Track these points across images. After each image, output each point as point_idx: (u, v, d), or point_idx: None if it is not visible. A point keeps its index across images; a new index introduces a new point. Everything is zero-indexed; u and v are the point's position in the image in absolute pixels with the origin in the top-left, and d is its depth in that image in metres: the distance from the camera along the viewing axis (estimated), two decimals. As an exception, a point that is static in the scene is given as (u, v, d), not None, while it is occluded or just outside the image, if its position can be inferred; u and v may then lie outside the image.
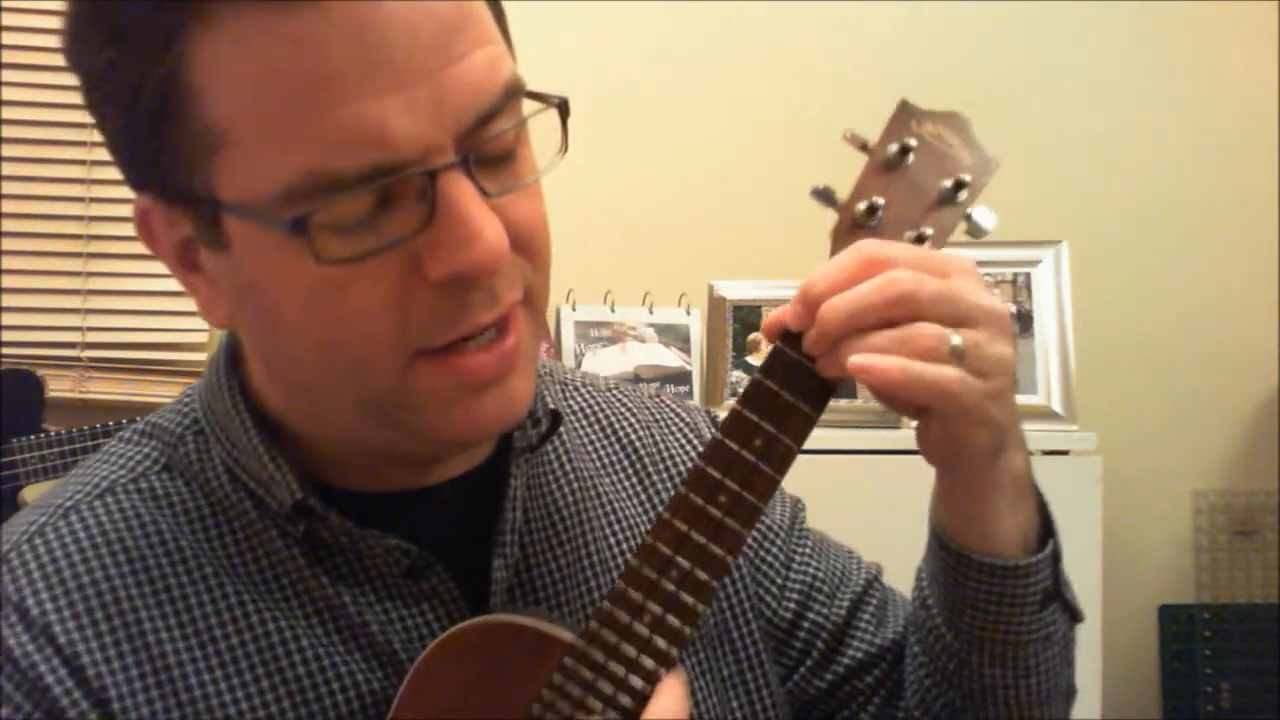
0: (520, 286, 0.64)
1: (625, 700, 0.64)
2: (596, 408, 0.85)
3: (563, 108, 0.64)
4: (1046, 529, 0.74)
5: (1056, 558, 0.74)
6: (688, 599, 0.64)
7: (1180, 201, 2.33)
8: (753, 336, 2.10)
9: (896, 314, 0.62)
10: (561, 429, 0.79)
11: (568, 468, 0.79)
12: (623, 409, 0.86)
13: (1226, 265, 2.33)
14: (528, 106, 0.63)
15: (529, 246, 0.63)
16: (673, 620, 0.64)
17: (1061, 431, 1.95)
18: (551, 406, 0.76)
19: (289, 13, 0.55)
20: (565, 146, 0.65)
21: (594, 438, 0.83)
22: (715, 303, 2.11)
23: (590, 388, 0.86)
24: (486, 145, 0.60)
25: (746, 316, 2.11)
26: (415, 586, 0.70)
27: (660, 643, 0.64)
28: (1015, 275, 2.06)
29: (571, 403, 0.84)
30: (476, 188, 0.59)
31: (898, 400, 0.64)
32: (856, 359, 0.61)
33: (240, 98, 0.57)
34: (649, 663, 0.64)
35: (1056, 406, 1.99)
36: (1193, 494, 2.31)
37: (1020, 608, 0.72)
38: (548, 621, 0.68)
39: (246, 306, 0.64)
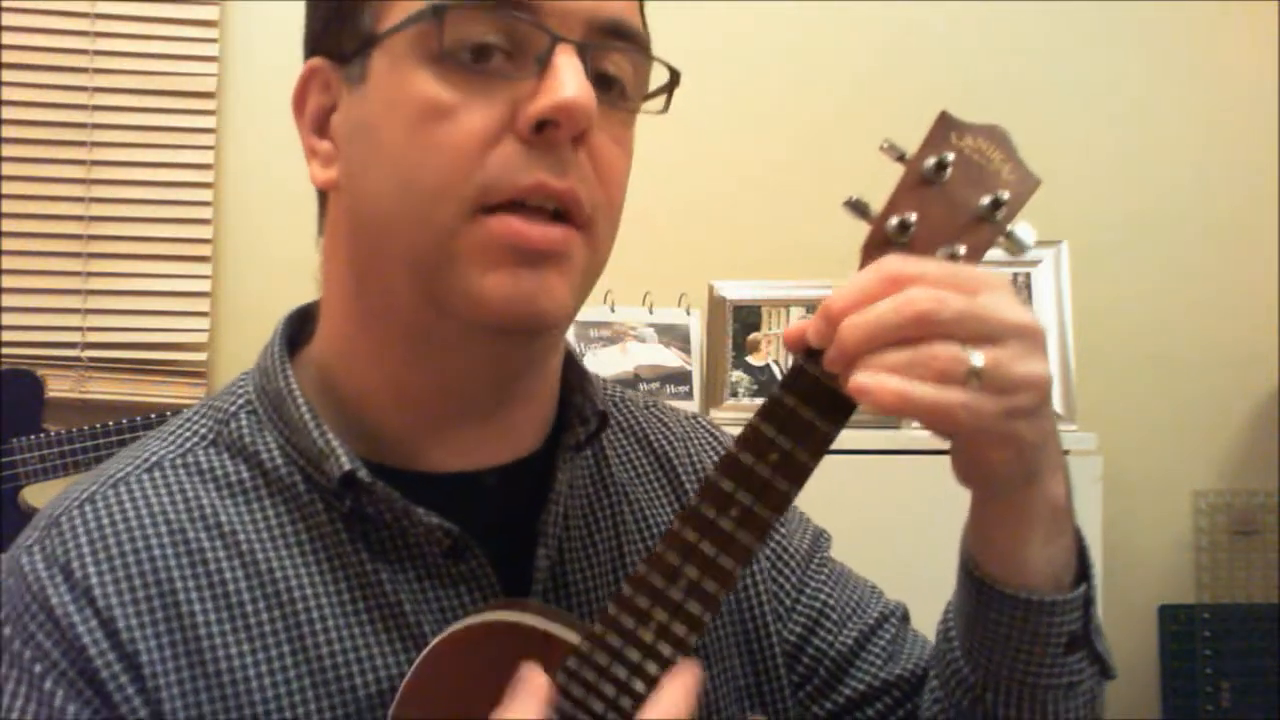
0: (588, 200, 0.68)
1: (627, 704, 0.64)
2: (633, 421, 0.87)
3: (675, 75, 0.73)
4: (1082, 572, 0.71)
5: (1089, 601, 0.71)
6: (694, 608, 0.64)
7: (1180, 201, 2.33)
8: (752, 337, 2.10)
9: (916, 333, 0.59)
10: (602, 436, 0.80)
11: (605, 474, 0.81)
12: (659, 425, 0.87)
13: (1227, 265, 2.33)
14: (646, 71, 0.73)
15: (607, 180, 0.69)
16: (679, 628, 0.64)
17: (1061, 431, 1.95)
18: (600, 408, 0.77)
19: None
20: (666, 107, 0.74)
21: (630, 449, 0.85)
22: (715, 303, 2.11)
23: (629, 403, 0.88)
24: (604, 59, 0.69)
25: (746, 316, 2.10)
26: (454, 568, 0.71)
27: (665, 649, 0.64)
28: (1015, 275, 2.06)
29: (611, 417, 0.84)
30: (587, 72, 0.66)
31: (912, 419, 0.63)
32: (858, 379, 0.59)
33: None
34: (653, 668, 0.64)
35: (1056, 406, 1.98)
36: (1193, 494, 2.31)
37: (1043, 648, 0.69)
38: (557, 623, 0.68)
39: (355, 146, 0.70)
